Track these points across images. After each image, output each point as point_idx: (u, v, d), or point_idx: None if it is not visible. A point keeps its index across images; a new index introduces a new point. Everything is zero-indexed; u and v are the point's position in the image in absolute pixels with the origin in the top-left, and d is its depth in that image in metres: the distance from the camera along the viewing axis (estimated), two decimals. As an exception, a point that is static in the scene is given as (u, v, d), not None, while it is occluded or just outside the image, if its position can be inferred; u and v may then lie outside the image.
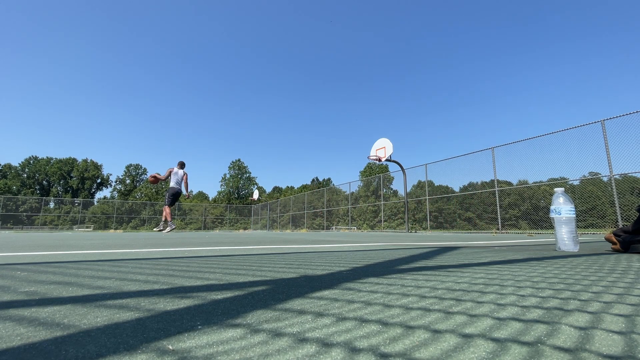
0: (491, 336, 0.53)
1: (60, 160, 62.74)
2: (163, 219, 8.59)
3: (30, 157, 61.98)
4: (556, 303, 0.76)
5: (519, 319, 0.63)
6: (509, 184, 12.20)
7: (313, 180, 69.22)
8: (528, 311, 0.69)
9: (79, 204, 42.23)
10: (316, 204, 23.97)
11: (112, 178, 66.85)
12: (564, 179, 10.06)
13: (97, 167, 64.67)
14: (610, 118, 8.09)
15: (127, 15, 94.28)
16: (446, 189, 15.15)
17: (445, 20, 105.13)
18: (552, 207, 2.45)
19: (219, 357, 0.45)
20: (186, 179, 8.73)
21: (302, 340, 0.51)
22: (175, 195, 8.62)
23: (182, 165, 8.81)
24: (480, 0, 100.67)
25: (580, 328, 0.58)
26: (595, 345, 0.50)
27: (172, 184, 8.61)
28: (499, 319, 0.63)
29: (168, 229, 8.52)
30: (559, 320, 0.62)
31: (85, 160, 64.17)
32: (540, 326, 0.59)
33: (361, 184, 24.42)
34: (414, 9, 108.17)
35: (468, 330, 0.56)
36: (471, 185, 14.32)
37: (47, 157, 62.64)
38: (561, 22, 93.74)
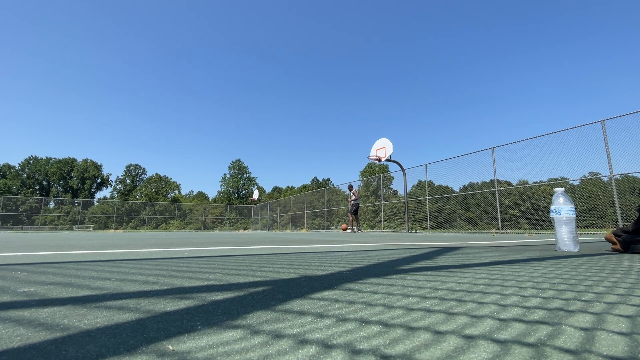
0: (493, 337, 0.53)
1: (60, 160, 62.72)
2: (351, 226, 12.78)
3: (30, 157, 61.94)
4: (559, 304, 0.75)
5: (521, 319, 0.63)
6: (509, 184, 12.20)
7: (313, 180, 69.22)
8: (530, 312, 0.69)
9: (79, 204, 42.22)
10: (316, 204, 23.96)
11: (112, 178, 66.91)
12: (564, 179, 10.05)
13: (97, 167, 64.66)
14: (610, 118, 8.08)
15: (126, 15, 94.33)
16: (446, 189, 15.14)
17: (446, 20, 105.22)
18: (552, 207, 2.45)
19: (219, 358, 0.44)
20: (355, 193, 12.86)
21: (302, 341, 0.51)
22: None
23: (350, 187, 13.16)
24: (480, 1, 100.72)
25: (583, 329, 0.57)
26: (597, 346, 0.49)
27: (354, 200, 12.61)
28: (501, 319, 0.63)
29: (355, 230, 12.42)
30: (561, 321, 0.62)
31: (85, 160, 64.15)
32: (543, 327, 0.58)
33: (361, 184, 24.42)
34: (415, 10, 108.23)
35: (470, 332, 0.56)
36: (471, 185, 14.32)
37: (47, 157, 62.63)
38: (561, 22, 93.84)
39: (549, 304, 0.76)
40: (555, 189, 2.49)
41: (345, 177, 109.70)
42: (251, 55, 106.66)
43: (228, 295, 0.85)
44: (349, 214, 12.82)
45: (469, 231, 14.41)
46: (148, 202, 42.59)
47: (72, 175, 62.75)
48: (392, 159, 12.04)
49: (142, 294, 0.86)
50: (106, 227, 35.32)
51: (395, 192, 21.25)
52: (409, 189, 13.81)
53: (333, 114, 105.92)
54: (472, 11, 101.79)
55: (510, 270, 1.32)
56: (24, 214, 37.46)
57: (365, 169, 50.84)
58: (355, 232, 12.19)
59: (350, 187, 13.36)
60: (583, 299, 0.81)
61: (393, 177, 20.20)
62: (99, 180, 65.24)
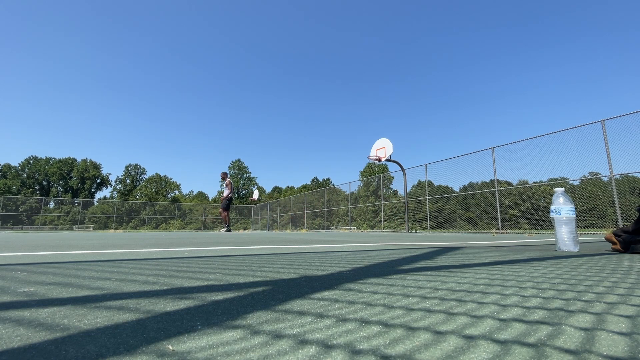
0: (494, 337, 0.53)
1: (60, 160, 62.72)
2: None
3: (30, 157, 61.96)
4: (559, 304, 0.75)
5: (521, 320, 0.63)
6: (509, 184, 12.21)
7: (313, 180, 69.20)
8: (531, 312, 0.69)
9: (79, 204, 42.23)
10: (316, 204, 23.95)
11: (112, 178, 66.93)
12: (564, 179, 10.06)
13: (97, 167, 64.65)
14: (610, 118, 8.09)
15: (126, 15, 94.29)
16: (446, 189, 15.15)
17: (446, 21, 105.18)
18: (552, 207, 2.45)
19: (219, 358, 0.44)
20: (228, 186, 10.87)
21: (302, 341, 0.51)
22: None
23: (224, 176, 10.80)
24: (480, 1, 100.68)
25: (584, 329, 0.57)
26: (597, 346, 0.49)
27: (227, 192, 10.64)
28: (501, 320, 0.63)
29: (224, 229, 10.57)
30: (562, 322, 0.62)
31: (84, 160, 64.16)
32: (543, 327, 0.58)
33: (361, 184, 24.42)
34: (415, 9, 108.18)
35: (470, 332, 0.56)
36: (471, 185, 14.33)
37: (47, 157, 62.62)
38: (561, 22, 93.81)
39: (549, 304, 0.76)
40: (555, 189, 2.49)
41: (345, 177, 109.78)
42: (251, 55, 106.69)
43: (228, 295, 0.85)
44: (221, 210, 10.40)
45: (469, 231, 14.43)
46: (148, 202, 42.60)
47: (72, 175, 62.74)
48: (392, 159, 12.04)
49: (142, 294, 0.86)
50: (106, 227, 35.32)
51: (395, 192, 21.26)
52: (409, 189, 13.81)
53: (333, 113, 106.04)
54: (472, 11, 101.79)
55: (510, 270, 1.32)
56: (24, 214, 37.46)
57: (365, 169, 50.83)
58: (227, 232, 9.90)
59: (224, 176, 10.62)
60: (583, 299, 0.81)
61: (393, 177, 20.21)
62: (98, 180, 65.23)
